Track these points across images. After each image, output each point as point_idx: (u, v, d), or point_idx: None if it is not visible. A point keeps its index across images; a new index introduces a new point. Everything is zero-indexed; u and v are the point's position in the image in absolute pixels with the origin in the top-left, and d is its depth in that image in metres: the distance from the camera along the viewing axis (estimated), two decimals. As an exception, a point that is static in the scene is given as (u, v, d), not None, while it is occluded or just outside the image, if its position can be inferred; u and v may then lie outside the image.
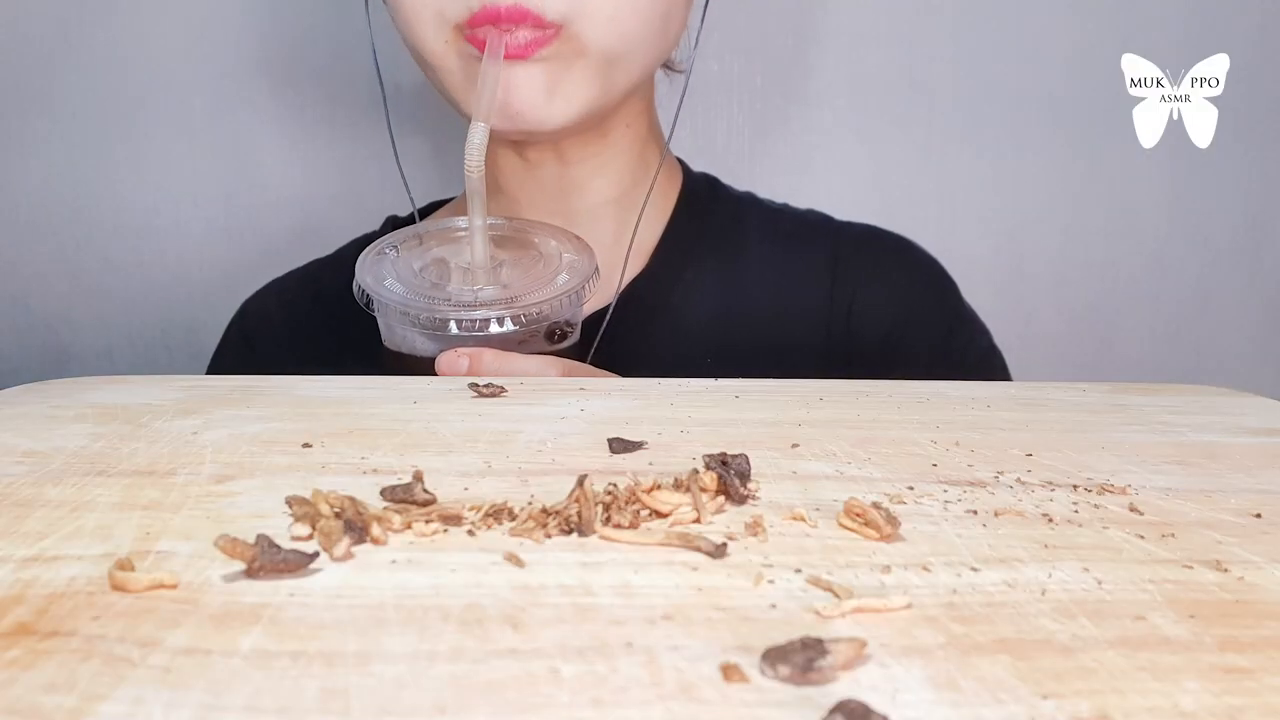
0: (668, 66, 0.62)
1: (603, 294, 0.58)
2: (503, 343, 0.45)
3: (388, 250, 0.49)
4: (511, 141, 0.56)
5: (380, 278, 0.47)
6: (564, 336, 0.48)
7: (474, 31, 0.49)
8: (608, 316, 0.55)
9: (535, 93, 0.50)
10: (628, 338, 0.56)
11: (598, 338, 0.55)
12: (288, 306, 0.63)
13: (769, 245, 0.61)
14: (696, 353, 0.57)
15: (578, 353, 0.50)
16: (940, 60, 0.82)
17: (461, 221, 0.49)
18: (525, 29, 0.48)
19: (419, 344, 0.46)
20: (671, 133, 0.59)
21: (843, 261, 0.60)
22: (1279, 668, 0.17)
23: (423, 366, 0.45)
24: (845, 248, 0.61)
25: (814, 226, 0.63)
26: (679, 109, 0.58)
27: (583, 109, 0.51)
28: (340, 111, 0.81)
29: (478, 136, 0.47)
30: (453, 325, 0.44)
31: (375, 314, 0.47)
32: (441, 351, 0.44)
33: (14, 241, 0.82)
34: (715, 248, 0.60)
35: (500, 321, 0.44)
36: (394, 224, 0.64)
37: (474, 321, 0.44)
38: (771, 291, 0.59)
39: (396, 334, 0.47)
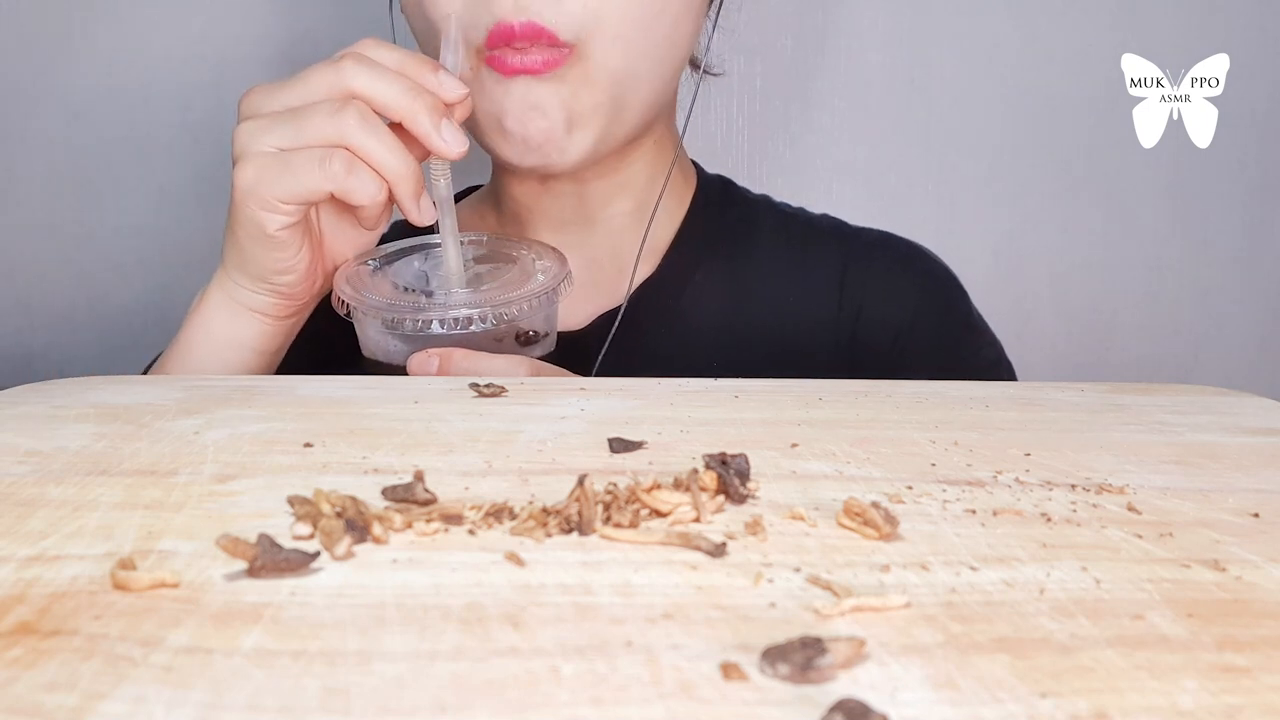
0: (697, 68, 0.61)
1: (614, 294, 0.58)
2: (474, 344, 0.45)
3: (368, 263, 0.49)
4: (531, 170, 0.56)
5: (358, 288, 0.47)
6: (535, 340, 0.48)
7: (491, 53, 0.48)
8: (618, 319, 0.55)
9: (554, 124, 0.49)
10: (636, 340, 0.56)
11: (607, 340, 0.54)
12: None
13: (780, 250, 0.61)
14: (704, 356, 0.57)
15: (561, 353, 0.50)
16: (940, 60, 0.82)
17: (438, 237, 0.49)
18: (539, 49, 0.48)
19: (393, 349, 0.47)
20: (683, 134, 0.59)
21: (852, 268, 0.60)
22: (1277, 666, 0.17)
23: (398, 373, 0.45)
24: (855, 254, 0.60)
25: (826, 232, 0.62)
26: (689, 114, 0.58)
27: (594, 141, 0.51)
28: (341, 112, 0.81)
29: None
30: (420, 325, 0.45)
31: (353, 322, 0.48)
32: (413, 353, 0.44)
33: (16, 242, 0.82)
34: (726, 251, 0.60)
35: (469, 322, 0.45)
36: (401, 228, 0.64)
37: (444, 321, 0.45)
38: (780, 297, 0.59)
39: (372, 341, 0.48)
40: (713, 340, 0.58)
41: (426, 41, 0.53)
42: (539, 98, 0.49)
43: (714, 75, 0.65)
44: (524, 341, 0.47)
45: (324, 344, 0.52)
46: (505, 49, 0.48)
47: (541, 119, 0.49)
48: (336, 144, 0.43)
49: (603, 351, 0.54)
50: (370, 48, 0.46)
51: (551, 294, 0.47)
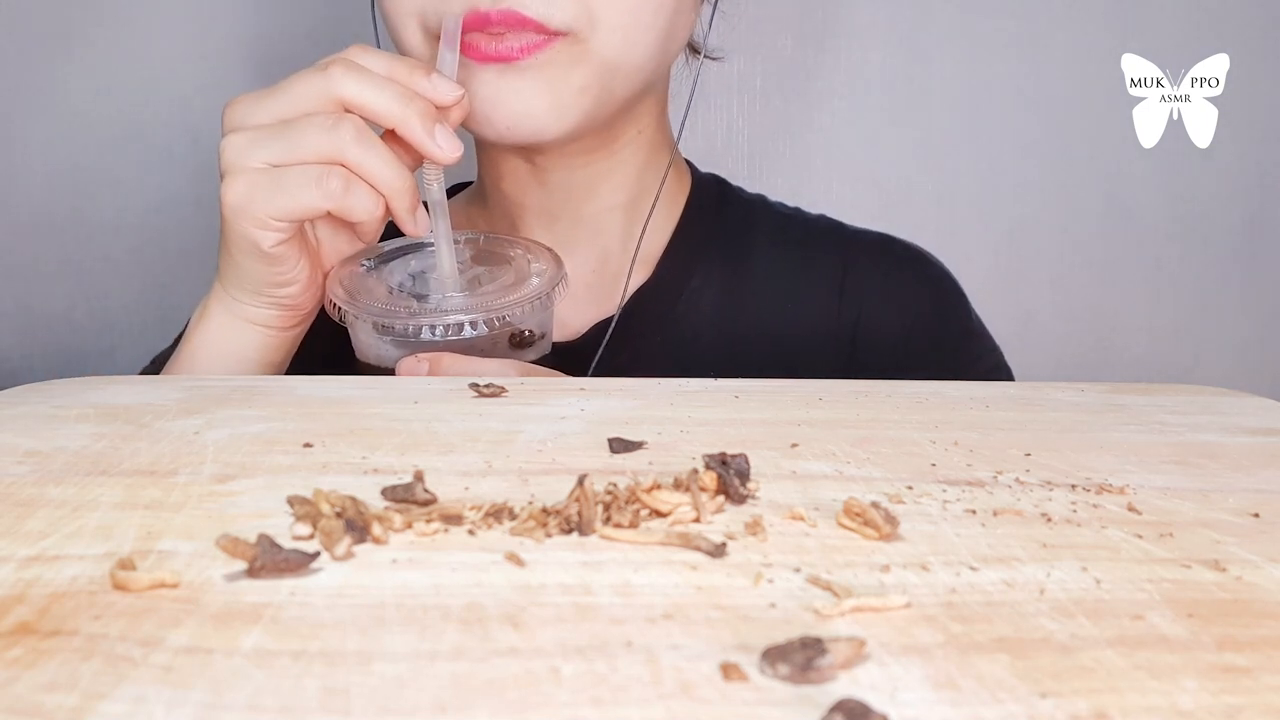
0: (697, 53, 0.60)
1: (608, 303, 0.57)
2: (467, 349, 0.45)
3: (362, 263, 0.49)
4: (516, 147, 0.56)
5: (351, 291, 0.47)
6: (530, 343, 0.47)
7: (462, 38, 0.47)
8: (612, 326, 0.54)
9: (529, 104, 0.48)
10: (632, 347, 0.55)
11: (601, 347, 0.54)
12: None
13: (777, 253, 0.60)
14: (700, 365, 0.56)
15: (554, 363, 0.49)
16: (940, 60, 0.82)
17: (432, 237, 0.49)
18: (516, 36, 0.46)
19: (385, 353, 0.46)
20: (680, 135, 0.59)
21: (851, 272, 0.59)
22: (1277, 667, 0.17)
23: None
24: (855, 258, 0.60)
25: (824, 234, 0.61)
26: (686, 113, 0.57)
27: (580, 120, 0.50)
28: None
29: None
30: (412, 330, 0.44)
31: (346, 326, 0.47)
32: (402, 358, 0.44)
33: (16, 242, 0.82)
34: (722, 256, 0.59)
35: (460, 328, 0.44)
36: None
37: (435, 327, 0.44)
38: (778, 302, 0.58)
39: (365, 345, 0.47)
40: (709, 349, 0.57)
41: (395, 41, 0.52)
42: (514, 84, 0.48)
43: (714, 59, 0.63)
44: (517, 344, 0.47)
45: (328, 352, 0.52)
46: (478, 34, 0.46)
47: (518, 104, 0.48)
48: (332, 160, 0.42)
49: (594, 362, 0.54)
50: (359, 54, 0.45)
51: (546, 298, 0.47)
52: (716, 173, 0.65)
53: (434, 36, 0.48)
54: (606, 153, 0.56)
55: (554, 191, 0.57)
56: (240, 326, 0.48)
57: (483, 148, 0.59)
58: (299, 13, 0.80)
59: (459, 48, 0.46)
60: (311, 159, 0.43)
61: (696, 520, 0.24)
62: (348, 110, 0.44)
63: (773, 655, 0.17)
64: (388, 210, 0.45)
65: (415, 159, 0.46)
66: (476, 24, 0.46)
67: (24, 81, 0.80)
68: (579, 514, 0.23)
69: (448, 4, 0.47)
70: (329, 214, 0.44)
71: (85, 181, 0.82)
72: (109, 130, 0.81)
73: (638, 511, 0.24)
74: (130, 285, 0.83)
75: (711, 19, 0.57)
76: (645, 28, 0.49)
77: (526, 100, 0.48)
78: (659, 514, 0.24)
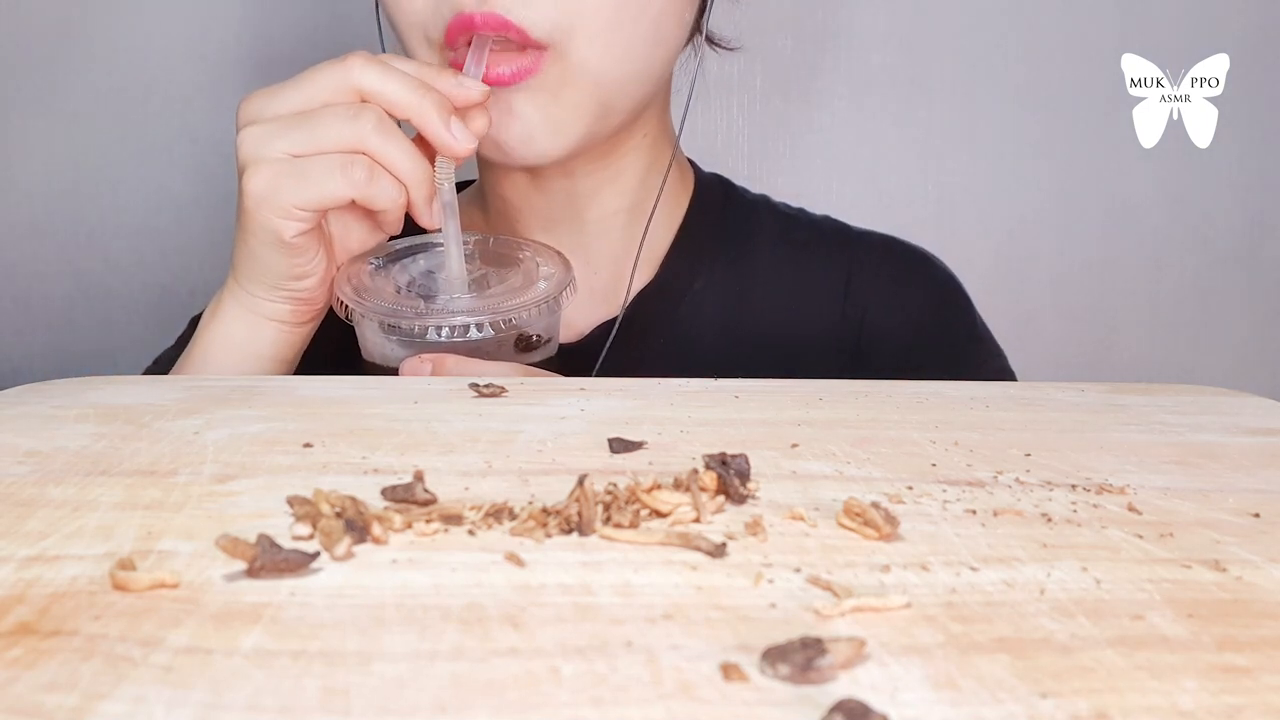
0: (715, 44, 0.59)
1: (612, 304, 0.57)
2: (473, 350, 0.45)
3: (370, 262, 0.49)
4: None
5: (359, 289, 0.47)
6: (534, 346, 0.47)
7: (455, 53, 0.47)
8: (615, 329, 0.54)
9: (526, 128, 0.48)
10: (636, 348, 0.55)
11: (604, 350, 0.54)
12: None
13: (782, 256, 0.59)
14: (703, 365, 0.55)
15: (558, 364, 0.49)
16: (940, 60, 0.82)
17: (441, 236, 0.49)
18: (508, 58, 0.46)
19: (391, 353, 0.46)
20: (680, 131, 0.58)
21: (856, 275, 0.59)
22: (1277, 667, 0.17)
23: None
24: (860, 260, 0.59)
25: (829, 236, 0.61)
26: (686, 109, 0.57)
27: (579, 140, 0.49)
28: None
29: None
30: (418, 330, 0.44)
31: (353, 325, 0.47)
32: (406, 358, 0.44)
33: (15, 242, 0.82)
34: (726, 257, 0.59)
35: (466, 329, 0.44)
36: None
37: (442, 329, 0.44)
38: (782, 305, 0.58)
39: (371, 344, 0.47)
40: (713, 350, 0.56)
41: (403, 49, 0.52)
42: (511, 105, 0.47)
43: (729, 50, 0.62)
44: (524, 347, 0.47)
45: (336, 350, 0.52)
46: (466, 51, 0.46)
47: (516, 125, 0.48)
48: (354, 149, 0.43)
49: (598, 364, 0.53)
50: (386, 57, 0.45)
51: (554, 302, 0.47)
52: (718, 173, 0.64)
53: (437, 46, 0.48)
54: (609, 161, 0.55)
55: (554, 198, 0.56)
56: (255, 322, 0.48)
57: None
58: (299, 13, 0.80)
59: (484, 65, 0.46)
60: (333, 148, 0.43)
61: (696, 520, 0.24)
62: (365, 101, 0.44)
63: (773, 655, 0.17)
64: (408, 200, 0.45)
65: (429, 155, 0.46)
66: (463, 27, 0.46)
67: (24, 81, 0.80)
68: (579, 514, 0.23)
69: (441, 7, 0.47)
70: (351, 203, 0.44)
71: (85, 181, 0.82)
72: (109, 130, 0.81)
73: (638, 511, 0.24)
74: (129, 285, 0.83)
75: (710, 3, 0.56)
76: (626, 35, 0.48)
77: (525, 123, 0.48)
78: (659, 514, 0.24)
